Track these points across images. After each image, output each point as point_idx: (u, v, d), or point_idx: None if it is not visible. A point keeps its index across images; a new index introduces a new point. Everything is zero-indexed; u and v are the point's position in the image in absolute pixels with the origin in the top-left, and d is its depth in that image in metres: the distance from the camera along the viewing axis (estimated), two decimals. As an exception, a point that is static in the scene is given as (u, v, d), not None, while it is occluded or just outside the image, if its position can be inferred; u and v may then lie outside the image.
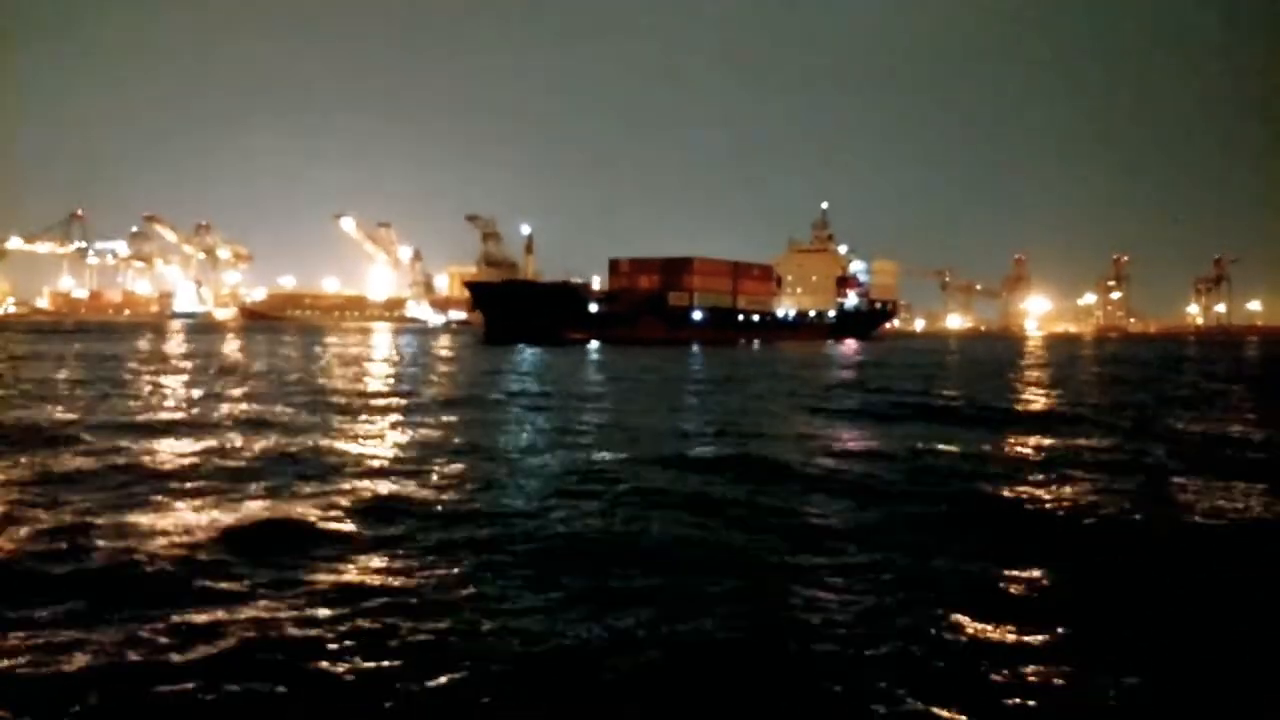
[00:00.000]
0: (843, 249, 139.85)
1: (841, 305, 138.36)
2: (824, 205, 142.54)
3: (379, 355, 62.81)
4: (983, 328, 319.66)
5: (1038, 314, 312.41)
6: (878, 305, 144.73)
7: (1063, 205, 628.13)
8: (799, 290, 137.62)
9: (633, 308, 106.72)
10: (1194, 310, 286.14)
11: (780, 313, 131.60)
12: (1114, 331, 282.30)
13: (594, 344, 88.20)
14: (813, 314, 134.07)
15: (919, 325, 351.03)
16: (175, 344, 77.31)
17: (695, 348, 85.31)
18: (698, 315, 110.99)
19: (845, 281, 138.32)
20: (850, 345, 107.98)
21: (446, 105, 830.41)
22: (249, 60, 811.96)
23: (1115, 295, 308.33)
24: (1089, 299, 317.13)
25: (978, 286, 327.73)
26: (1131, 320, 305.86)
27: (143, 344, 73.08)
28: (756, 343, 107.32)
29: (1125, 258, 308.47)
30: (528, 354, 63.78)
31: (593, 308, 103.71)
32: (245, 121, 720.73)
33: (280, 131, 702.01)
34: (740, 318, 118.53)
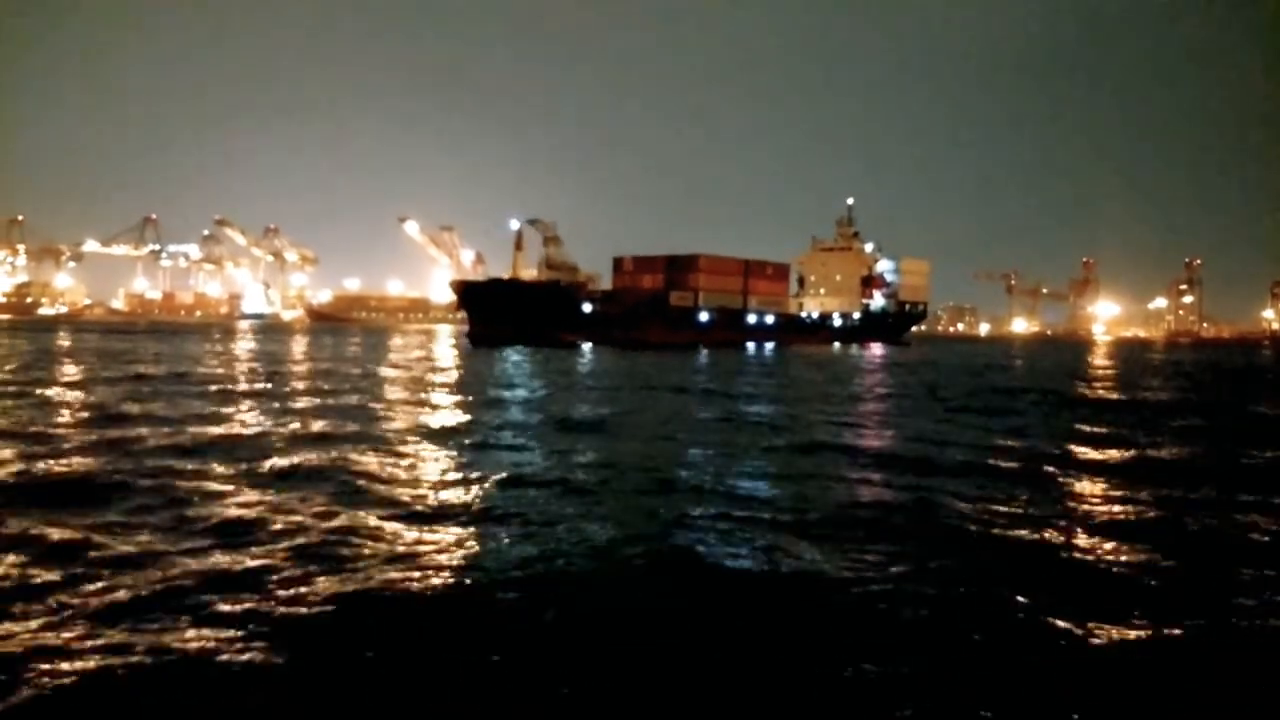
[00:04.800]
0: (869, 247, 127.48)
1: (867, 307, 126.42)
2: (849, 201, 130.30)
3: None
4: (1049, 332, 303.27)
5: (1106, 318, 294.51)
6: (907, 307, 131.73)
7: (1133, 207, 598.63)
8: (822, 291, 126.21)
9: (630, 308, 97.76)
10: (1270, 315, 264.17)
11: (803, 314, 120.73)
12: (1185, 337, 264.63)
13: (587, 347, 79.58)
14: (836, 316, 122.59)
15: (984, 329, 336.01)
16: (245, 344, 73.54)
17: (704, 352, 75.35)
18: (704, 316, 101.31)
19: (871, 281, 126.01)
20: (875, 350, 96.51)
21: (508, 112, 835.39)
22: (316, 68, 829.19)
23: (1187, 299, 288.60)
24: (1160, 303, 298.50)
25: (1044, 290, 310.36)
26: (1204, 325, 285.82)
27: (235, 344, 70.75)
28: (769, 346, 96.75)
29: (1198, 261, 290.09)
30: (509, 359, 55.46)
31: (586, 308, 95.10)
32: (312, 127, 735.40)
33: (346, 137, 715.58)
34: (752, 319, 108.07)
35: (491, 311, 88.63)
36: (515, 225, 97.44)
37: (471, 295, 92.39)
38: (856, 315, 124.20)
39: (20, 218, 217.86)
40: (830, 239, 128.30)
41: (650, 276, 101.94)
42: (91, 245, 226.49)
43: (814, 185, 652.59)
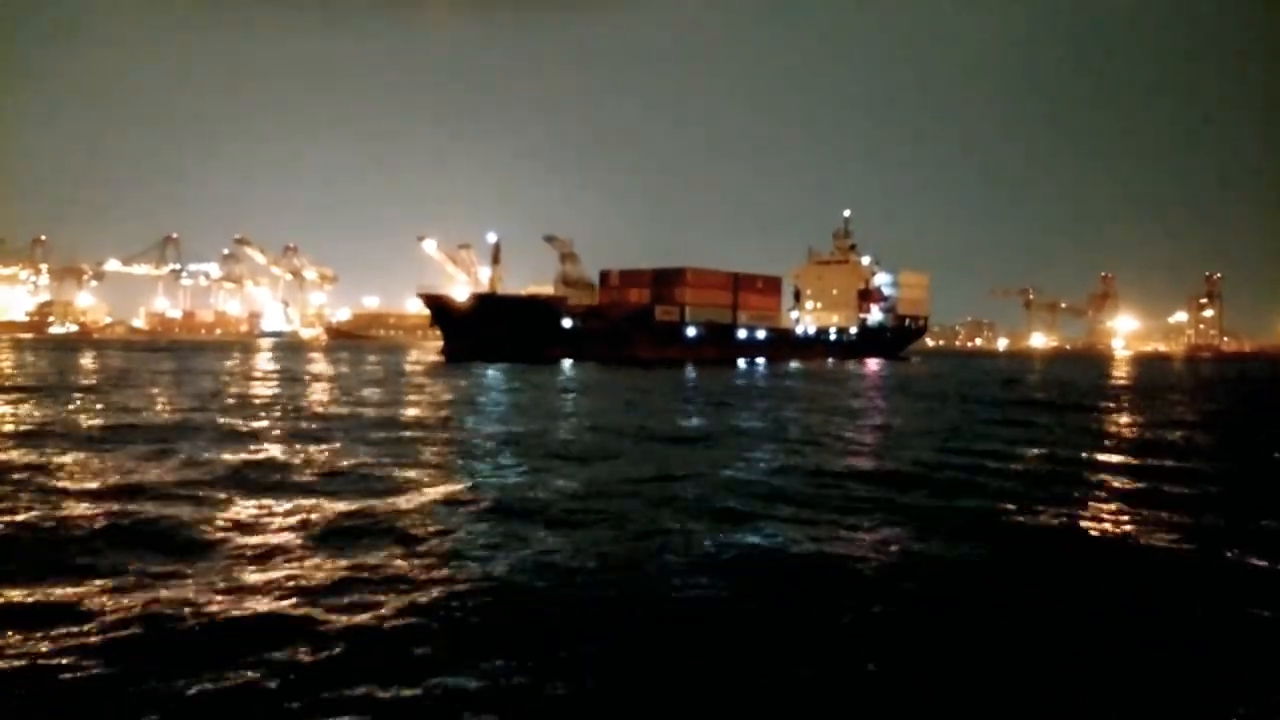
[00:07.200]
0: (865, 260, 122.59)
1: (864, 321, 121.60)
2: (846, 213, 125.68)
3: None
4: (1068, 346, 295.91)
5: (1125, 333, 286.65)
6: (906, 321, 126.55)
7: (1152, 221, 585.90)
8: (819, 305, 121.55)
9: (613, 324, 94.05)
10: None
11: (799, 330, 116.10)
12: (1206, 351, 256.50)
13: (568, 363, 76.10)
14: (833, 331, 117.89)
15: (1002, 344, 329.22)
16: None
17: (690, 369, 71.31)
18: (691, 331, 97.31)
19: (868, 295, 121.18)
20: (872, 366, 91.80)
21: (525, 128, 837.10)
22: (333, 89, 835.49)
23: (1208, 313, 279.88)
24: (1180, 317, 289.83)
25: (1063, 305, 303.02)
26: (1225, 339, 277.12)
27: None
28: (761, 363, 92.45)
29: (1218, 275, 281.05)
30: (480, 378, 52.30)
31: (567, 323, 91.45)
32: (331, 146, 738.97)
33: (364, 155, 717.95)
34: (742, 334, 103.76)
35: (466, 327, 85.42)
36: (492, 239, 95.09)
37: (446, 311, 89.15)
38: (853, 330, 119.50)
39: (43, 238, 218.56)
40: (827, 252, 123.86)
41: (637, 291, 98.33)
42: (113, 264, 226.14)
43: (814, 196, 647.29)
